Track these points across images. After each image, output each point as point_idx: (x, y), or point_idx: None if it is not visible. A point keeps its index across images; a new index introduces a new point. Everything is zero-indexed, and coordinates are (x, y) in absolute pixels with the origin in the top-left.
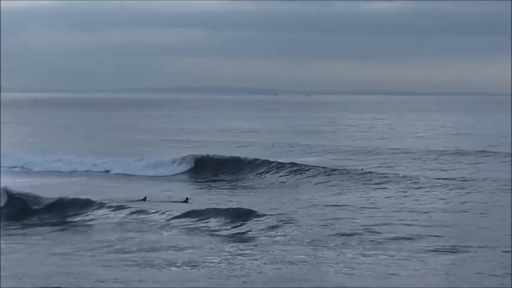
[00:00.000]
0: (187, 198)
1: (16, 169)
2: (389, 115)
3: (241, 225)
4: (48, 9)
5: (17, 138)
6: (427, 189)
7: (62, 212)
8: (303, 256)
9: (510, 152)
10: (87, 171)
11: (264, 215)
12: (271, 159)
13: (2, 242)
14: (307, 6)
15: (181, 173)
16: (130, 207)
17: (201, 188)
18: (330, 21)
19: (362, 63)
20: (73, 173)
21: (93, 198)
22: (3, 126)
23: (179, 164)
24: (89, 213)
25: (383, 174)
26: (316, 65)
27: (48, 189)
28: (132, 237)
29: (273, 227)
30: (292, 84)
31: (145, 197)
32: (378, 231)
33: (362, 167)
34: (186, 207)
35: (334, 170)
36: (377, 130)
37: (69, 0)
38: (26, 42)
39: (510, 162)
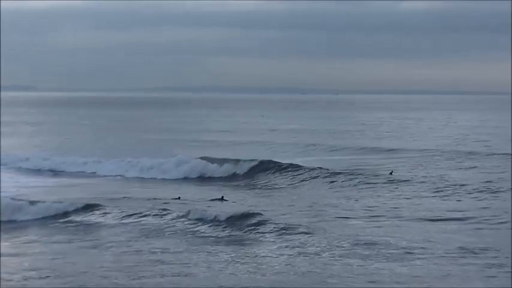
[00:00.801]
0: (222, 197)
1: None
2: (419, 114)
3: (255, 228)
4: (76, 8)
5: (48, 139)
6: (458, 193)
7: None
8: (318, 260)
9: (510, 152)
10: (120, 175)
11: (282, 220)
12: (299, 163)
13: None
14: (339, 5)
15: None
16: (165, 207)
17: (234, 189)
18: (362, 21)
19: (391, 63)
20: (99, 174)
21: (128, 197)
22: (34, 125)
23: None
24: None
25: (411, 176)
26: (344, 65)
27: (85, 190)
28: (155, 239)
29: (292, 230)
30: (321, 84)
31: (179, 197)
32: (402, 236)
33: (392, 170)
34: (222, 206)
35: (360, 172)
36: (407, 129)
37: (99, 0)
38: (54, 42)
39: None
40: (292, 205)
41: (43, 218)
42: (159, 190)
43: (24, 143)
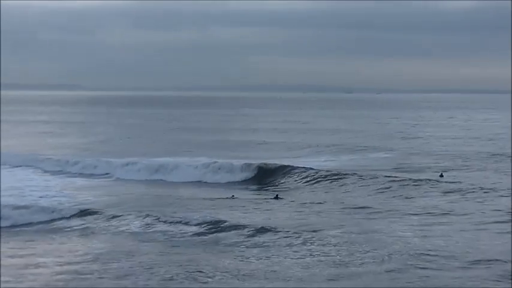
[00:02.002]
0: (277, 195)
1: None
2: (464, 115)
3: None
4: (122, 8)
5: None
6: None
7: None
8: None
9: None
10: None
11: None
12: (344, 166)
13: None
14: (382, 5)
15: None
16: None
17: (289, 190)
18: (403, 20)
19: (432, 62)
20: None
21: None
22: (90, 124)
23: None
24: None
25: (463, 178)
26: (385, 64)
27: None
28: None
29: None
30: (363, 82)
31: (232, 195)
32: (463, 242)
33: (442, 172)
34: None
35: (410, 175)
36: (452, 129)
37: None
38: (101, 41)
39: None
40: (333, 208)
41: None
42: (214, 191)
43: (73, 143)
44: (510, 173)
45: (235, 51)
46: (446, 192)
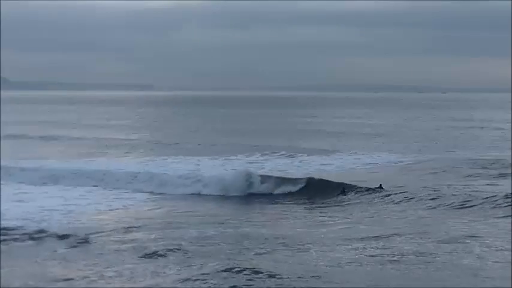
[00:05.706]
0: (380, 185)
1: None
2: None
3: None
4: (199, 8)
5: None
6: None
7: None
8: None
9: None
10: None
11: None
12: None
13: None
14: (456, 4)
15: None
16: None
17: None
18: (471, 19)
19: (498, 61)
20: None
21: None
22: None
23: None
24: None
25: None
26: (450, 63)
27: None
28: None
29: None
30: (429, 81)
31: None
32: None
33: None
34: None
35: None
36: None
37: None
38: (177, 42)
39: None
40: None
41: None
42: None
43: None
44: None
45: (312, 51)
46: None
